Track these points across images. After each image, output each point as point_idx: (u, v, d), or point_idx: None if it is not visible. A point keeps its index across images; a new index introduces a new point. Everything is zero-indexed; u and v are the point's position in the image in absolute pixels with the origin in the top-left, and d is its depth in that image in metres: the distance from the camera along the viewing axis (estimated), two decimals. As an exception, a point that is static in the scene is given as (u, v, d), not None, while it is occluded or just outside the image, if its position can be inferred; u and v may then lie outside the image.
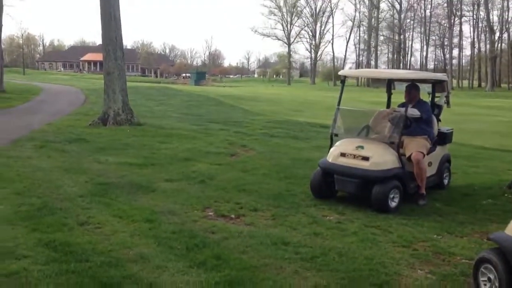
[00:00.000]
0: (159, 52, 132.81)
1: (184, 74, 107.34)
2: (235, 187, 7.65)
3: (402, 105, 7.37)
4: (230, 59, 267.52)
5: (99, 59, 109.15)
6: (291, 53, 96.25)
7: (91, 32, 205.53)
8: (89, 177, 8.06)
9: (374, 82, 66.23)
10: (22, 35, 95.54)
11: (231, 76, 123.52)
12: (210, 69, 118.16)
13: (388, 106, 8.16)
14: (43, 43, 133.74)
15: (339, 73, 8.37)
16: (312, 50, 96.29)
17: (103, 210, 6.24)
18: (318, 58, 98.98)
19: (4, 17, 31.15)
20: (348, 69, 64.08)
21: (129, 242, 5.09)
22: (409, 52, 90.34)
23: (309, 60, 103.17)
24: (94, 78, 71.82)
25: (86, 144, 11.64)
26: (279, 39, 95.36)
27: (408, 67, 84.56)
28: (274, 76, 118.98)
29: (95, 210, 6.23)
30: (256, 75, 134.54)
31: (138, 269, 4.34)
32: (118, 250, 4.84)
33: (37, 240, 5.00)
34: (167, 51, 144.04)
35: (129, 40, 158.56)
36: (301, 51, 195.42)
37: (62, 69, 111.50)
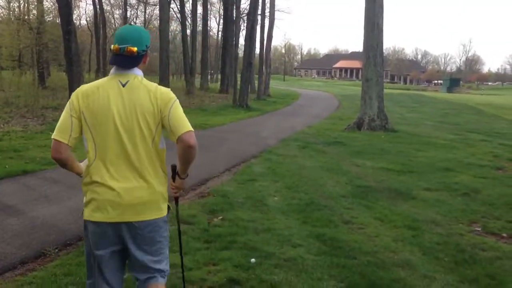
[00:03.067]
0: (410, 58, 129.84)
1: (435, 81, 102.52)
2: (506, 204, 6.96)
3: None
4: (491, 65, 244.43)
5: (350, 66, 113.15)
6: None
7: (345, 41, 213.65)
8: (348, 178, 8.38)
9: None
10: (285, 45, 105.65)
11: (489, 83, 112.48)
12: (466, 76, 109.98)
13: None
14: (301, 52, 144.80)
15: None
16: None
17: (365, 212, 6.40)
18: None
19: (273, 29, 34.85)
20: None
21: (393, 246, 5.10)
22: None
23: None
24: (345, 84, 74.60)
25: (343, 147, 12.15)
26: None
27: None
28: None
29: (357, 211, 6.43)
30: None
31: (406, 275, 4.31)
32: (383, 252, 4.89)
33: (308, 232, 5.42)
34: (419, 57, 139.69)
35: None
36: None
37: (315, 75, 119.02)
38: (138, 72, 2.59)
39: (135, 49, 2.53)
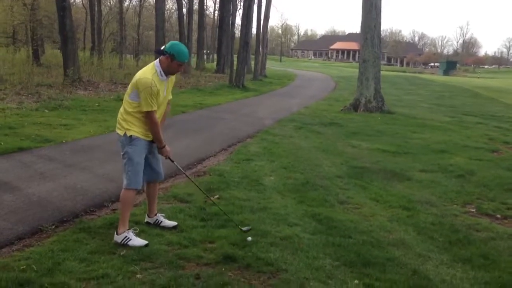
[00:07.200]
0: (407, 41, 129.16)
1: (432, 64, 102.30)
2: (500, 185, 7.01)
3: None
4: (488, 48, 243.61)
5: (347, 48, 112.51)
6: None
7: (342, 22, 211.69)
8: (344, 159, 8.39)
9: None
10: (282, 25, 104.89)
11: (485, 67, 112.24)
12: (462, 59, 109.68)
13: None
14: (298, 33, 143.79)
15: None
16: None
17: (360, 192, 6.43)
18: None
19: (271, 9, 34.49)
20: None
21: (388, 226, 5.13)
22: None
23: None
24: (342, 66, 74.28)
25: (340, 128, 12.15)
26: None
27: None
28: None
29: (353, 191, 6.46)
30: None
31: (400, 254, 4.35)
32: (378, 232, 4.93)
33: (304, 211, 5.45)
34: (416, 39, 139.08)
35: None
36: None
37: (312, 57, 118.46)
38: (156, 62, 4.23)
39: (163, 47, 4.26)
